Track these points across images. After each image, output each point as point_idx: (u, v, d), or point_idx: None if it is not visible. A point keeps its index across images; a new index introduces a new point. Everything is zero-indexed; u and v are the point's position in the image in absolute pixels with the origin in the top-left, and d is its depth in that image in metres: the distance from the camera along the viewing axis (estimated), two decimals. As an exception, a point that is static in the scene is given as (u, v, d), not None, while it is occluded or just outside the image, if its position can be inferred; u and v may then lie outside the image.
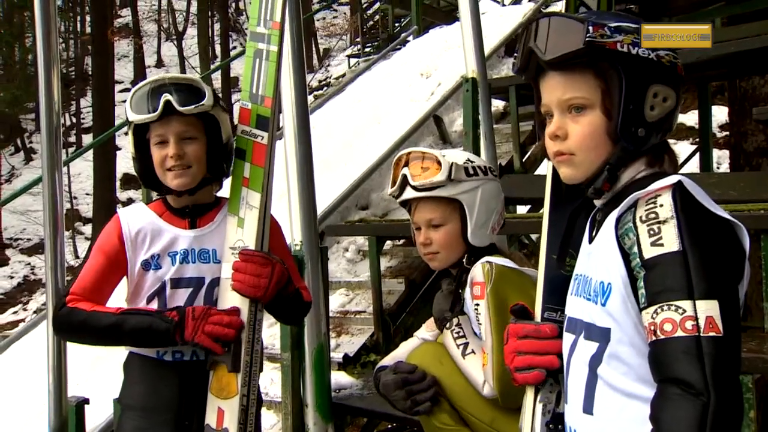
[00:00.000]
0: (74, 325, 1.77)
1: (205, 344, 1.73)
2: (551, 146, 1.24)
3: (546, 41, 1.20)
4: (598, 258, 1.19)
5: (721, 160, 7.81)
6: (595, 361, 1.17)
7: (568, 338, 1.26)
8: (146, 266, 1.83)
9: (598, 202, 1.26)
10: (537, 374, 1.30)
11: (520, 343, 1.33)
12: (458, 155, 1.83)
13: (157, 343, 1.77)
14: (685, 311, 1.02)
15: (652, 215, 1.09)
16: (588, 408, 1.18)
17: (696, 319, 1.02)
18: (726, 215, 1.09)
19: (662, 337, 1.03)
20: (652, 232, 1.08)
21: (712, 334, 1.01)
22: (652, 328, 1.05)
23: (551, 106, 1.23)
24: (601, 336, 1.16)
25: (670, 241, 1.06)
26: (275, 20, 1.88)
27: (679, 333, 1.02)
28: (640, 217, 1.10)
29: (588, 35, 1.15)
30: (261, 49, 1.89)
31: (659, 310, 1.04)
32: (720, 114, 8.02)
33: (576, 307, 1.25)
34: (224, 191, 1.97)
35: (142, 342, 1.78)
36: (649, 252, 1.08)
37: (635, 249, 1.10)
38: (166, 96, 1.76)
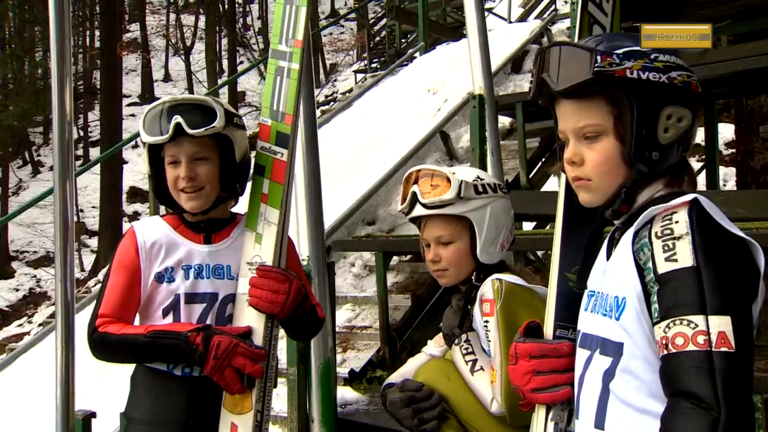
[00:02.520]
0: (107, 350, 1.79)
1: (221, 384, 1.74)
2: (569, 171, 1.26)
3: (557, 71, 1.22)
4: (615, 274, 1.19)
5: (728, 177, 7.79)
6: (608, 375, 1.17)
7: (582, 354, 1.26)
8: (159, 279, 1.83)
9: (617, 222, 1.27)
10: (567, 391, 1.30)
11: (538, 363, 1.33)
12: (468, 173, 1.84)
13: (189, 363, 1.76)
14: (697, 326, 1.03)
15: (668, 231, 1.10)
16: (600, 423, 1.18)
17: (708, 334, 1.02)
18: (741, 234, 1.10)
19: (674, 350, 1.04)
20: (666, 247, 1.09)
21: (723, 349, 1.01)
22: (664, 342, 1.06)
23: (567, 133, 1.25)
24: (615, 351, 1.16)
25: (685, 256, 1.07)
26: (297, 38, 1.89)
27: (691, 347, 1.03)
28: (656, 233, 1.12)
29: (596, 65, 1.16)
30: (282, 66, 1.90)
31: (671, 325, 1.05)
32: (726, 131, 8.02)
33: (591, 323, 1.25)
34: (239, 207, 1.98)
35: (175, 361, 1.78)
36: (663, 267, 1.09)
37: (650, 264, 1.11)
38: (177, 118, 1.76)
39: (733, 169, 6.94)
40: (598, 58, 1.16)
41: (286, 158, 1.85)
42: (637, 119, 1.17)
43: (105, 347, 1.79)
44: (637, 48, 1.19)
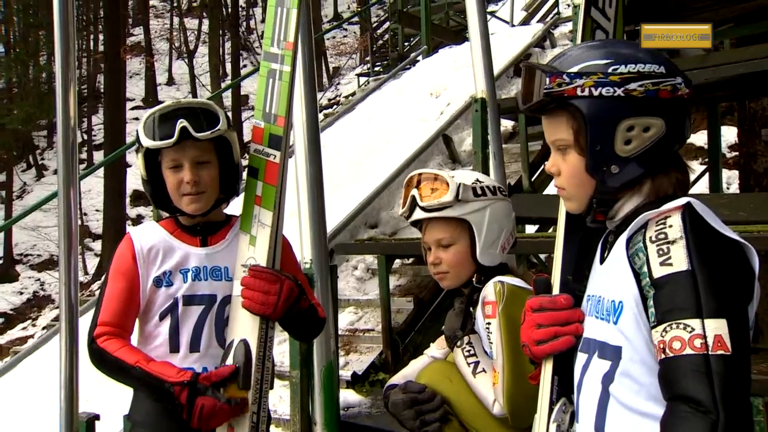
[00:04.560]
0: (103, 367, 1.81)
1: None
2: (554, 180, 1.31)
3: (521, 90, 1.27)
4: (610, 278, 1.20)
5: (731, 180, 7.77)
6: (608, 379, 1.18)
7: (581, 358, 1.27)
8: (158, 283, 1.85)
9: (610, 225, 1.28)
10: (567, 339, 1.29)
11: (537, 316, 1.33)
12: (467, 176, 1.85)
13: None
14: (693, 330, 1.04)
15: (662, 236, 1.11)
16: (600, 426, 1.19)
17: (704, 337, 1.03)
18: (735, 236, 1.10)
19: (671, 355, 1.05)
20: (661, 252, 1.10)
21: (720, 352, 1.02)
22: (662, 346, 1.07)
23: (549, 144, 1.29)
24: (614, 354, 1.17)
25: (679, 260, 1.08)
26: (288, 41, 1.91)
27: (688, 351, 1.04)
28: (650, 238, 1.13)
29: (545, 87, 1.20)
30: (274, 69, 1.92)
31: (668, 329, 1.06)
32: (729, 134, 8.00)
33: (589, 326, 1.26)
34: (232, 208, 1.99)
35: (160, 401, 1.78)
36: (658, 271, 1.10)
37: (645, 268, 1.12)
38: (182, 122, 1.77)
39: (736, 172, 6.93)
40: (547, 80, 1.19)
41: (278, 160, 1.86)
42: (590, 135, 1.19)
43: (101, 364, 1.81)
44: (596, 62, 1.20)
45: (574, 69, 1.20)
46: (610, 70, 1.18)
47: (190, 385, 1.71)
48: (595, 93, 1.18)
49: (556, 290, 1.42)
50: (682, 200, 1.13)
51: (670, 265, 1.08)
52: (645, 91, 1.18)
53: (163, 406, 1.80)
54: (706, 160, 6.31)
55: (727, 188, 7.38)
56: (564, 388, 1.34)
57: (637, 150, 1.19)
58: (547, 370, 1.36)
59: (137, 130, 1.86)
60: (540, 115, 1.27)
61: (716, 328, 1.03)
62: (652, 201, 1.21)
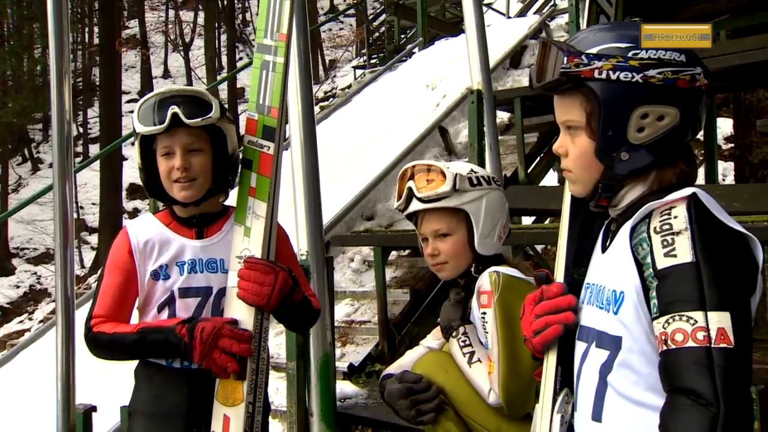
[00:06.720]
0: (102, 349, 1.82)
1: (213, 371, 1.75)
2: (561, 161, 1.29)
3: (536, 68, 1.24)
4: (612, 267, 1.20)
5: (727, 171, 7.79)
6: (606, 369, 1.18)
7: (580, 347, 1.27)
8: (155, 276, 1.86)
9: (612, 213, 1.27)
10: (554, 328, 1.29)
11: (535, 308, 1.33)
12: (462, 166, 1.86)
13: (178, 356, 1.78)
14: (696, 322, 1.03)
15: (666, 226, 1.10)
16: (597, 416, 1.19)
17: (707, 330, 1.02)
18: (740, 228, 1.09)
19: (673, 347, 1.04)
20: (665, 242, 1.09)
21: (723, 345, 1.02)
22: (663, 337, 1.06)
23: (559, 124, 1.27)
24: (613, 344, 1.17)
25: (684, 252, 1.07)
26: (282, 32, 1.91)
27: (690, 343, 1.03)
28: (654, 228, 1.12)
29: (562, 66, 1.17)
30: (268, 60, 1.92)
31: (671, 320, 1.05)
32: (725, 126, 8.01)
33: (588, 315, 1.26)
34: (231, 200, 1.99)
35: (165, 355, 1.80)
36: (662, 262, 1.09)
37: (648, 259, 1.11)
38: (174, 108, 1.78)
39: (732, 164, 6.93)
40: (565, 59, 1.17)
41: (272, 151, 1.87)
42: (603, 119, 1.18)
43: (99, 346, 1.82)
44: (617, 44, 1.18)
45: (593, 50, 1.17)
46: (630, 54, 1.16)
47: (190, 320, 1.75)
48: (613, 77, 1.16)
49: (560, 278, 1.41)
50: (688, 191, 1.12)
51: (675, 256, 1.08)
52: (663, 78, 1.16)
53: (162, 395, 1.83)
54: (702, 151, 6.32)
55: (723, 179, 7.39)
56: (566, 378, 1.34)
57: (649, 138, 1.18)
58: (549, 361, 1.35)
59: (132, 117, 1.86)
60: (552, 93, 1.25)
61: (719, 321, 1.02)
62: (655, 191, 1.20)
